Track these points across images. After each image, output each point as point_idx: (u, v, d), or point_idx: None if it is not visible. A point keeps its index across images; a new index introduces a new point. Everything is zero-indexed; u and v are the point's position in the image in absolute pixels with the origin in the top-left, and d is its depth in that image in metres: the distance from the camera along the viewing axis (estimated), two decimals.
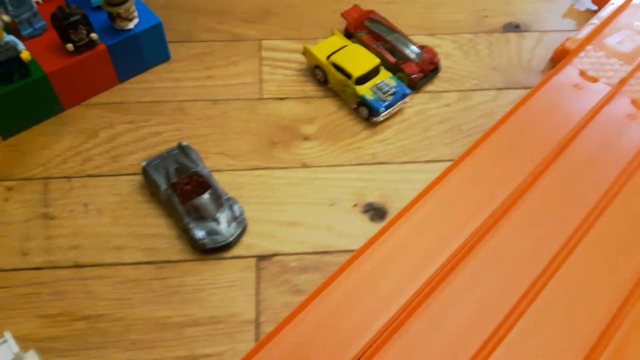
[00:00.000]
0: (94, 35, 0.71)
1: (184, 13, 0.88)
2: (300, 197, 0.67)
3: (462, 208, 0.65)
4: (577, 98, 0.76)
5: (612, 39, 0.83)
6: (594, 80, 0.78)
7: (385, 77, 0.75)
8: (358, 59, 0.75)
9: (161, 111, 0.75)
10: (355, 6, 0.84)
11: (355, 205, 0.66)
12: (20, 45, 0.66)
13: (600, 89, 0.77)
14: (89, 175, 0.68)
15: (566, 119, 0.73)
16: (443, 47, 0.83)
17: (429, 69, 0.78)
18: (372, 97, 0.73)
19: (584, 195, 0.67)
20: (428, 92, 0.78)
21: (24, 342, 0.55)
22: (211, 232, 0.61)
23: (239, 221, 0.62)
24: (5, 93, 0.67)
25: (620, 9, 0.87)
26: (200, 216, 0.62)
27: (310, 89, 0.78)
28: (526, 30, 0.87)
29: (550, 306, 0.57)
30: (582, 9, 0.92)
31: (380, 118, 0.73)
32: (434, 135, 0.74)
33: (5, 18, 0.69)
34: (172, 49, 0.81)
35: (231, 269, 0.61)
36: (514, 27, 0.87)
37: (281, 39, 0.84)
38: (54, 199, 0.66)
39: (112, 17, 0.73)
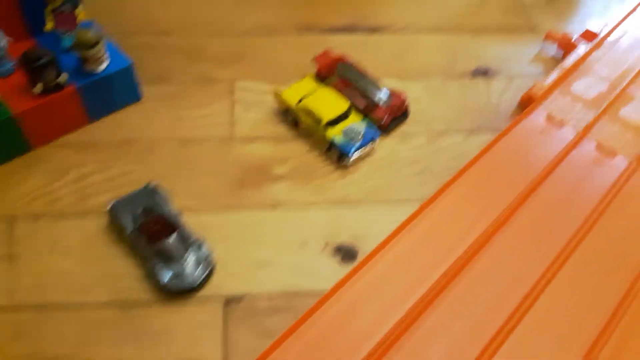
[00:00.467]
0: (62, 78, 0.72)
1: (158, 53, 0.90)
2: (270, 238, 0.68)
3: (432, 250, 0.67)
4: (545, 142, 0.79)
5: (578, 85, 0.88)
6: (561, 125, 0.82)
7: (355, 121, 0.78)
8: (328, 103, 0.78)
9: (131, 151, 0.76)
10: (327, 51, 0.88)
11: (325, 246, 0.68)
12: None
13: (567, 134, 0.80)
14: (57, 215, 0.69)
15: (534, 162, 0.77)
16: (413, 91, 0.87)
17: (398, 113, 0.82)
18: (341, 141, 0.76)
19: (552, 239, 0.69)
20: (398, 135, 0.81)
21: None
22: (178, 275, 0.62)
23: (206, 263, 0.63)
24: None
25: (586, 56, 0.92)
26: (167, 258, 0.63)
27: (282, 130, 0.81)
28: (495, 75, 0.91)
29: None
30: (549, 55, 0.97)
31: (350, 161, 0.76)
32: (405, 177, 0.76)
33: None
34: (144, 88, 0.83)
35: (199, 310, 0.61)
36: (483, 72, 0.92)
37: (254, 80, 0.87)
38: (20, 238, 0.66)
39: (82, 60, 0.75)
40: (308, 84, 0.82)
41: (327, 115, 0.77)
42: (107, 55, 0.77)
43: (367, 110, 0.80)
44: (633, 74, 0.90)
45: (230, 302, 0.62)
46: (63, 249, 0.65)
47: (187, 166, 0.75)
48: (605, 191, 0.74)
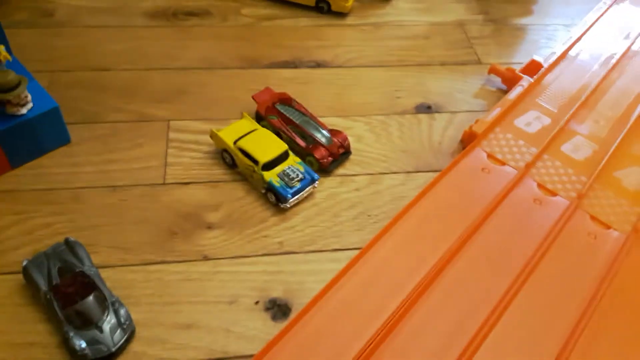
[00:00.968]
0: None
1: (90, 92, 0.84)
2: (198, 295, 0.62)
3: (369, 301, 0.62)
4: (485, 182, 0.75)
5: (520, 121, 0.85)
6: (502, 163, 0.78)
7: (293, 163, 0.73)
8: (265, 144, 0.73)
9: (54, 200, 0.70)
10: (267, 88, 0.83)
11: (257, 303, 0.62)
12: None
13: (508, 173, 0.77)
14: None
15: (474, 203, 0.73)
16: (355, 129, 0.83)
17: (339, 152, 0.77)
18: (279, 184, 0.71)
19: (494, 280, 0.65)
20: (339, 175, 0.77)
21: None
22: (93, 341, 0.55)
23: (125, 327, 0.57)
24: None
25: (528, 90, 0.89)
26: (83, 322, 0.56)
27: (218, 172, 0.75)
28: (437, 111, 0.87)
29: None
30: (493, 88, 0.93)
31: (288, 205, 0.71)
32: (343, 222, 0.71)
33: None
34: (74, 130, 0.77)
35: None
36: (426, 108, 0.87)
37: (191, 119, 0.82)
38: None
39: (2, 103, 0.68)
40: (246, 124, 0.77)
41: (264, 157, 0.71)
42: (29, 97, 0.70)
43: (308, 150, 0.75)
44: (575, 107, 0.87)
45: None
46: None
47: (114, 216, 0.69)
48: (546, 232, 0.70)
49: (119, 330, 0.57)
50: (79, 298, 0.57)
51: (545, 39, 1.05)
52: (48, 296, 0.57)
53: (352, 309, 0.61)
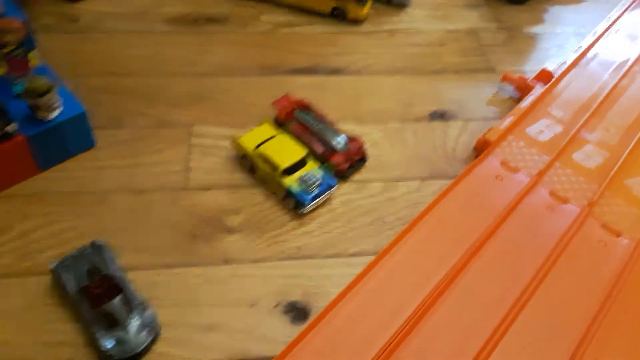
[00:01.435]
0: (11, 128, 0.67)
1: (114, 96, 0.84)
2: (219, 298, 0.63)
3: (386, 305, 0.62)
4: (499, 189, 0.75)
5: (532, 129, 0.84)
6: (515, 171, 0.78)
7: (312, 168, 0.73)
8: (285, 150, 0.73)
9: (80, 203, 0.71)
10: (286, 95, 0.83)
11: (276, 306, 0.63)
12: None
13: (521, 180, 0.77)
14: None
15: (488, 211, 0.73)
16: (371, 136, 0.83)
17: (356, 159, 0.77)
18: (298, 189, 0.71)
19: (507, 286, 0.65)
20: (355, 181, 0.77)
21: None
22: (120, 342, 0.56)
23: (150, 328, 0.58)
24: None
25: (541, 98, 0.89)
26: (110, 323, 0.57)
27: (238, 177, 0.76)
28: (451, 119, 0.87)
29: None
30: (506, 96, 0.93)
31: (306, 210, 0.71)
32: (359, 227, 0.72)
33: None
34: (99, 134, 0.78)
35: None
36: (440, 116, 0.87)
37: (212, 125, 0.82)
38: None
39: (33, 108, 0.69)
40: (266, 130, 0.77)
41: (284, 162, 0.72)
42: (59, 102, 0.71)
43: (325, 156, 0.76)
44: (586, 116, 0.87)
45: None
46: (1, 314, 0.59)
47: (138, 219, 0.69)
48: (557, 239, 0.70)
49: (144, 331, 0.57)
50: (106, 299, 0.58)
51: (556, 47, 1.04)
52: (76, 297, 0.58)
53: (370, 312, 0.61)
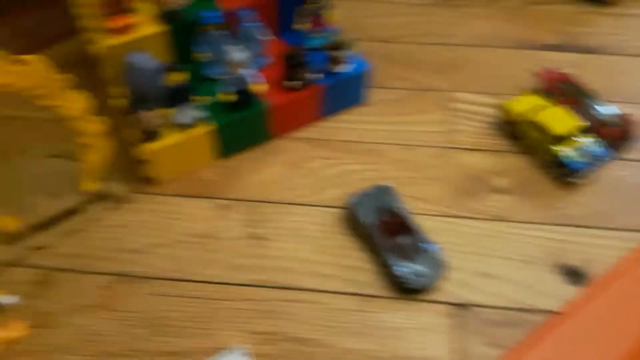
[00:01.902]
0: (314, 76, 0.74)
1: (376, 60, 0.90)
2: (494, 250, 0.65)
3: None
4: None
5: None
6: None
7: (585, 140, 0.72)
8: (559, 119, 0.73)
9: (356, 150, 0.77)
10: (549, 69, 0.82)
11: (552, 266, 0.64)
12: (253, 79, 0.71)
13: None
14: (293, 203, 0.71)
15: None
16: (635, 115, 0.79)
17: (626, 135, 0.75)
18: (570, 158, 0.71)
19: None
20: (625, 159, 0.74)
21: None
22: (412, 273, 0.61)
23: (439, 265, 0.62)
24: (231, 121, 0.72)
25: None
26: (402, 256, 0.62)
27: (501, 143, 0.77)
28: None
29: None
30: None
31: (577, 179, 0.70)
32: (633, 203, 0.69)
33: (240, 56, 0.73)
34: (366, 93, 0.84)
35: (428, 312, 0.60)
36: None
37: (470, 92, 0.84)
38: (262, 221, 0.69)
39: (330, 60, 0.76)
40: (534, 99, 0.77)
41: (559, 130, 0.72)
42: (349, 58, 0.78)
43: (594, 130, 0.74)
44: None
45: (457, 308, 0.60)
46: (302, 237, 0.67)
47: (410, 170, 0.74)
48: None
49: (434, 267, 0.61)
50: (398, 235, 0.63)
51: None
52: (370, 230, 0.64)
53: None
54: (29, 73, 0.55)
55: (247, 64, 0.71)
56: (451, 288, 0.62)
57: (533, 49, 0.91)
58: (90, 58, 0.88)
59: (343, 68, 0.76)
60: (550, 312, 0.59)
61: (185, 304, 0.61)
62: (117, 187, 0.70)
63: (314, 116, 0.80)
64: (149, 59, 0.68)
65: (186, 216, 0.70)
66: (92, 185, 0.68)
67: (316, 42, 0.80)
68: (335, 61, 0.76)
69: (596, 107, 0.76)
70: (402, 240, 0.63)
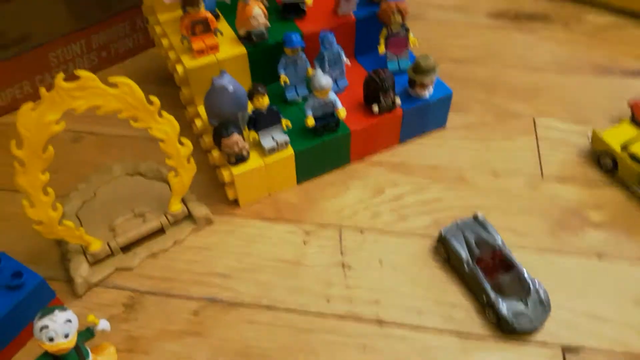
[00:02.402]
0: (398, 101, 0.72)
1: (452, 82, 0.87)
2: (600, 290, 0.61)
3: None
4: None
5: None
6: None
7: None
8: None
9: (441, 176, 0.73)
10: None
11: None
12: (339, 104, 0.68)
13: None
14: (379, 231, 0.67)
15: None
16: None
17: None
18: None
19: None
20: None
21: None
22: (517, 313, 0.57)
23: (545, 305, 0.58)
24: (315, 145, 0.69)
25: None
26: (504, 293, 0.58)
27: (594, 174, 0.73)
28: None
29: None
30: None
31: None
32: None
33: (325, 80, 0.69)
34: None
35: (536, 355, 0.56)
36: None
37: (556, 118, 0.81)
38: (349, 248, 0.66)
39: (413, 84, 0.73)
40: (629, 130, 0.73)
41: None
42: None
43: None
44: None
45: (567, 352, 0.56)
46: (391, 266, 0.64)
47: (499, 199, 0.70)
48: None
49: (540, 307, 0.57)
50: (500, 272, 0.59)
51: None
52: (472, 265, 0.60)
53: None
54: (119, 96, 0.53)
55: (330, 87, 0.68)
56: (558, 329, 0.58)
57: (614, 75, 0.88)
58: (162, 75, 0.86)
59: (425, 91, 0.73)
60: None
61: (276, 333, 0.58)
62: (199, 209, 0.67)
63: (393, 140, 0.77)
64: (235, 81, 0.65)
65: (269, 240, 0.67)
66: (177, 207, 0.65)
67: (397, 66, 0.77)
68: (417, 84, 0.73)
69: None
70: (503, 276, 0.59)
